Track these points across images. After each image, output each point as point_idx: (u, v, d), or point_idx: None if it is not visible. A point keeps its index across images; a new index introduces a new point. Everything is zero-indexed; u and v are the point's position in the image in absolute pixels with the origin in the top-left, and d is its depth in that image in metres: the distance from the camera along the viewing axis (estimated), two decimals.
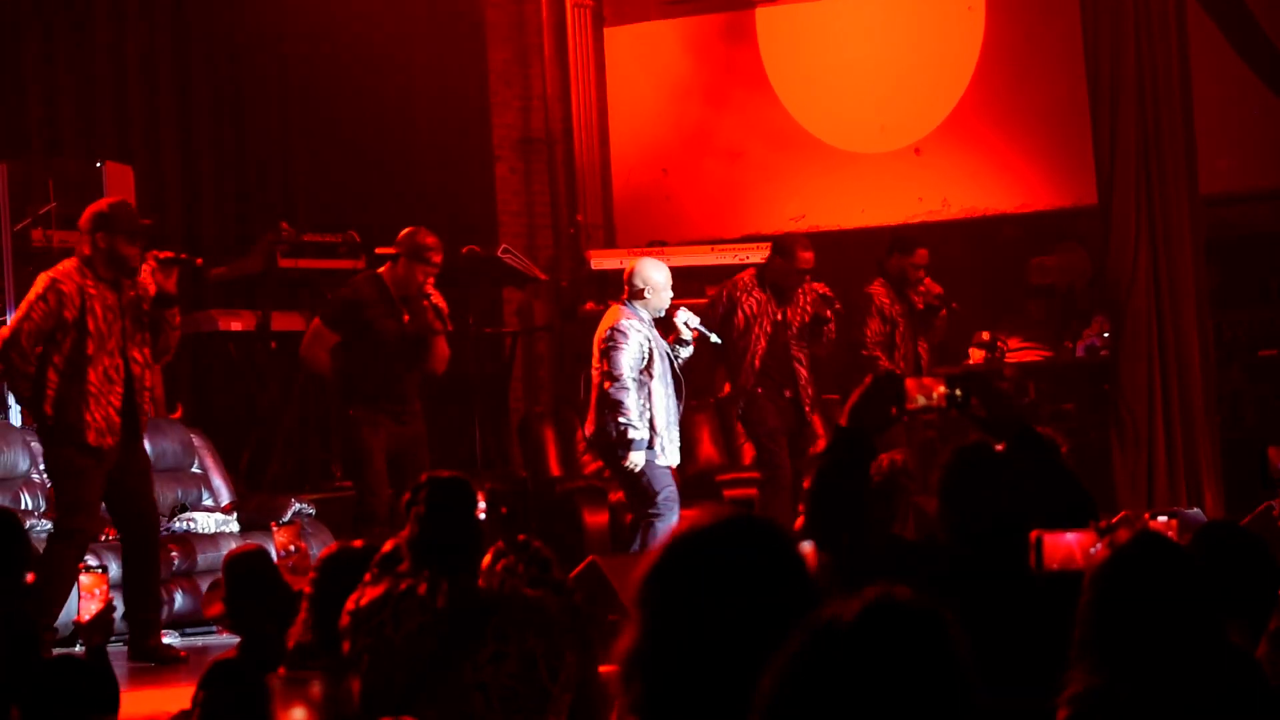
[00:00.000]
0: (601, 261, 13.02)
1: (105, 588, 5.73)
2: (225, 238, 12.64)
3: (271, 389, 12.05)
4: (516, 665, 4.63)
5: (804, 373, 10.77)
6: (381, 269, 10.04)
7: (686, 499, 11.43)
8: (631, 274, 9.84)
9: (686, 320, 9.81)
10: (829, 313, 10.80)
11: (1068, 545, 4.00)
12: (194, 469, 11.05)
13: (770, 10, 14.19)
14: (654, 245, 13.19)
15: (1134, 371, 11.51)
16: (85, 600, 5.67)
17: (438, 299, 9.89)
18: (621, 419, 9.62)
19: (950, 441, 11.46)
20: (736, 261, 12.31)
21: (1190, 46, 11.70)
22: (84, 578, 5.79)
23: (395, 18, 13.62)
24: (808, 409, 10.82)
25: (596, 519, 11.59)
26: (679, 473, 10.68)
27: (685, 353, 9.84)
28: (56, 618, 8.56)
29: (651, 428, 9.65)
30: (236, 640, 5.64)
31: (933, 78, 13.72)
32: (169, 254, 8.90)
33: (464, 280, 12.26)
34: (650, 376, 9.67)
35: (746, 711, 2.26)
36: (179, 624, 9.98)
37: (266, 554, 6.15)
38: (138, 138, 12.21)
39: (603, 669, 5.42)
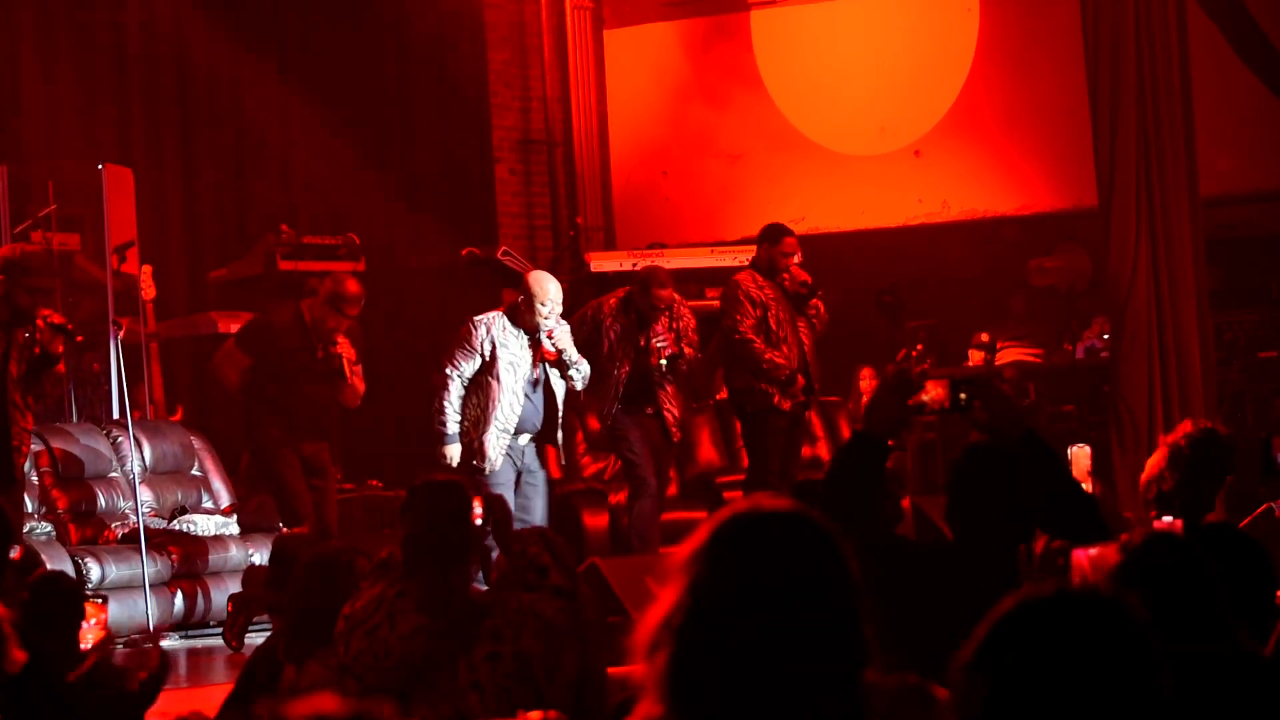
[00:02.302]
0: (601, 263, 13.01)
1: (105, 616, 5.74)
2: (225, 239, 12.64)
3: None
4: (511, 665, 4.64)
5: (666, 394, 10.68)
6: (304, 301, 10.09)
7: (687, 500, 11.41)
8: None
9: (555, 338, 9.76)
10: (687, 352, 10.66)
11: (1091, 559, 4.02)
12: (194, 471, 11.05)
13: (764, 13, 14.18)
14: (653, 247, 13.20)
15: (1134, 372, 11.51)
16: (85, 628, 5.68)
17: (344, 348, 9.87)
18: (435, 410, 9.74)
19: (950, 443, 11.47)
20: (736, 263, 12.29)
21: (1190, 47, 11.70)
22: (84, 606, 5.79)
23: (395, 19, 13.63)
24: (672, 428, 10.71)
25: (596, 521, 11.57)
26: (679, 472, 10.65)
27: (564, 376, 9.79)
28: None
29: (480, 438, 9.65)
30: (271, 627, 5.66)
31: (929, 79, 13.71)
32: (59, 320, 8.90)
33: (464, 282, 12.27)
34: (493, 380, 9.64)
35: (767, 689, 2.31)
36: (180, 626, 9.97)
37: (314, 542, 6.19)
38: (138, 140, 12.21)
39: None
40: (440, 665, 4.63)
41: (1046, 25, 13.24)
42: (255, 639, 8.75)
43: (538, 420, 9.76)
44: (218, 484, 11.06)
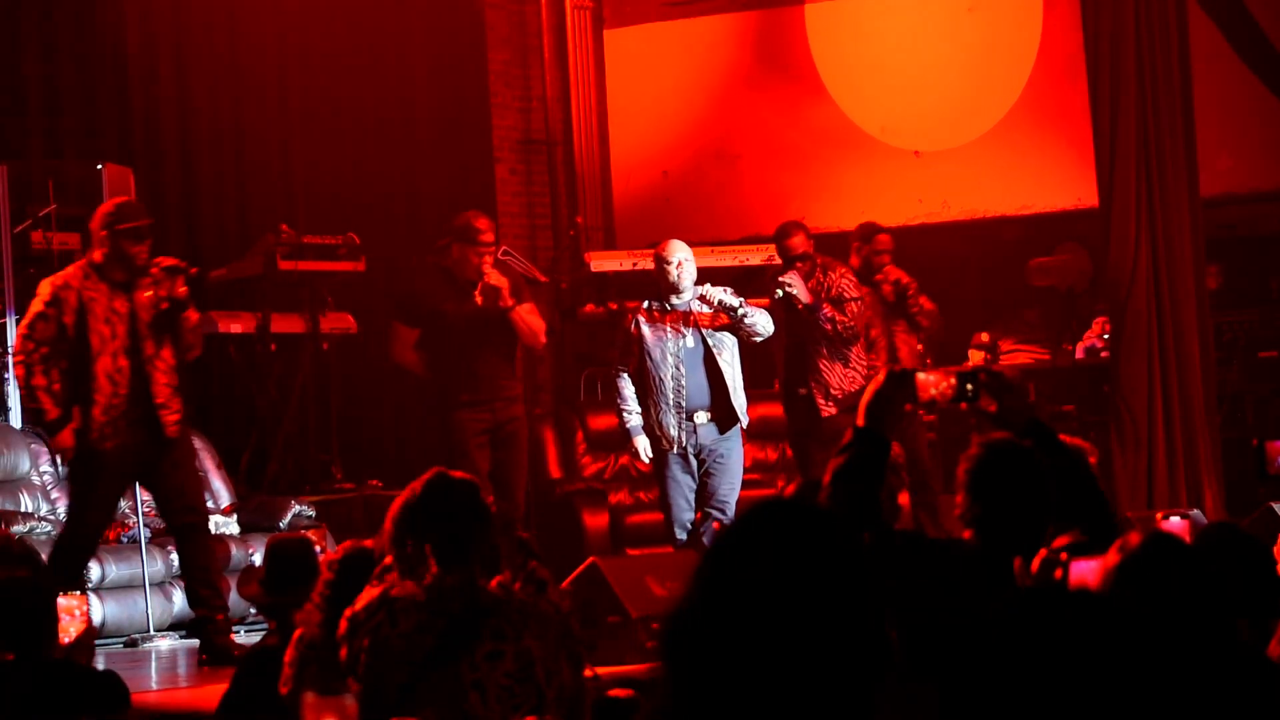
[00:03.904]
0: (601, 263, 13.02)
1: (85, 609, 5.71)
2: (225, 239, 12.62)
3: (271, 391, 12.03)
4: (513, 664, 4.62)
5: (826, 365, 10.65)
6: (443, 261, 10.20)
7: None
8: None
9: (707, 296, 9.77)
10: (826, 310, 10.62)
11: (1093, 570, 4.02)
12: None
13: (818, 6, 14.14)
14: (654, 247, 13.18)
15: (1134, 372, 11.51)
16: (66, 622, 5.64)
17: (494, 279, 9.94)
18: (617, 412, 9.88)
19: (950, 443, 11.38)
20: (737, 263, 12.30)
21: (1190, 47, 11.70)
22: (63, 600, 5.75)
23: (395, 19, 13.62)
24: (820, 401, 10.62)
25: (596, 521, 11.58)
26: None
27: (742, 332, 9.76)
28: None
29: (658, 421, 9.68)
30: (267, 627, 5.64)
31: (993, 76, 13.60)
32: (172, 261, 8.93)
33: None
34: (648, 361, 9.69)
35: (778, 689, 2.32)
36: (181, 625, 9.96)
37: (310, 544, 6.20)
38: (138, 139, 12.20)
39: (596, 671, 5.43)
40: (442, 664, 4.63)
41: (1048, 26, 13.23)
42: (252, 639, 8.75)
43: (705, 397, 9.72)
44: (217, 484, 11.04)
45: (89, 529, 8.86)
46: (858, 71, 13.96)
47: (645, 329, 9.75)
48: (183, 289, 8.82)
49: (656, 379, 9.71)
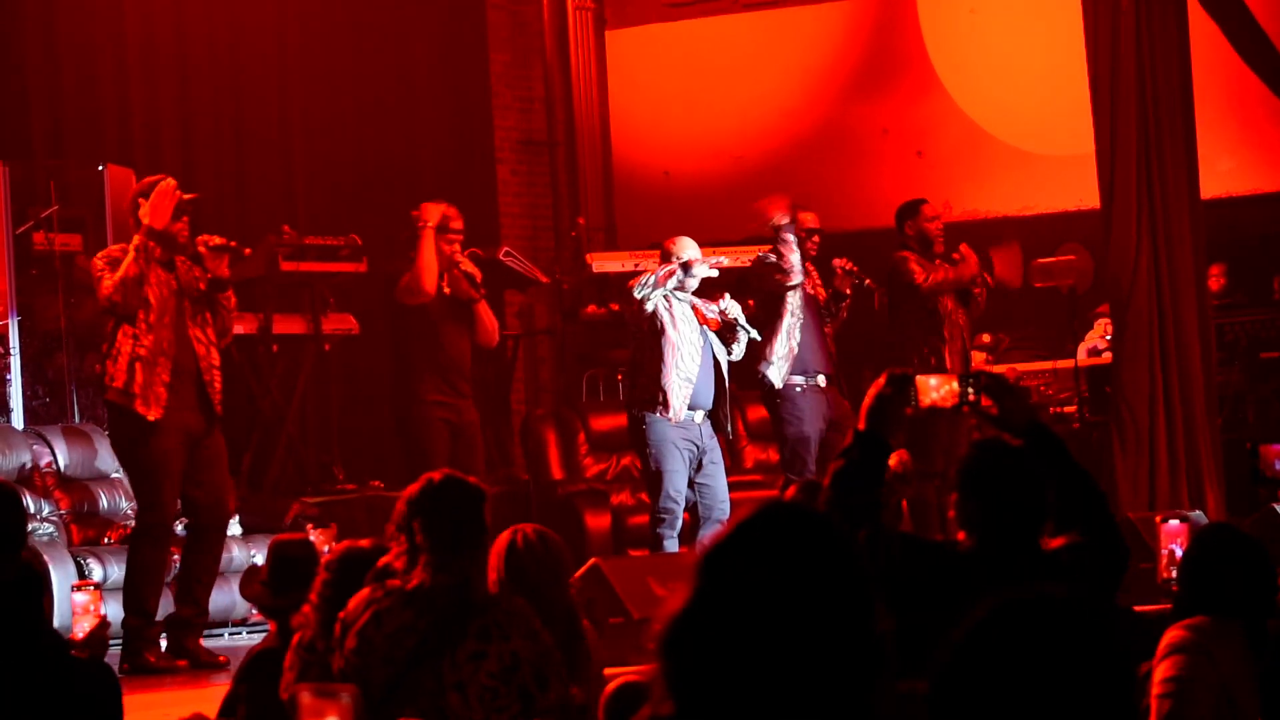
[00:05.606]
0: (602, 264, 13.02)
1: (99, 605, 5.71)
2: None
3: (273, 392, 12.04)
4: (496, 666, 4.62)
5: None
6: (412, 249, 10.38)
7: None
8: None
9: (724, 306, 9.79)
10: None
11: None
12: None
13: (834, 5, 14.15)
14: (655, 247, 13.19)
15: (1135, 373, 11.51)
16: (79, 617, 5.64)
17: (468, 266, 10.06)
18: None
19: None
20: (738, 264, 12.29)
21: (1190, 47, 11.69)
22: (78, 595, 5.75)
23: (396, 20, 13.63)
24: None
25: (598, 521, 11.58)
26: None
27: (727, 346, 9.78)
28: (155, 610, 8.66)
29: (661, 385, 9.66)
30: (268, 629, 5.65)
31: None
32: (220, 240, 8.88)
33: None
34: (671, 327, 9.66)
35: (776, 692, 2.31)
36: None
37: (312, 545, 6.21)
38: (138, 140, 12.21)
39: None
40: (423, 663, 4.63)
41: (1046, 24, 13.21)
42: (253, 639, 8.74)
43: (707, 394, 9.73)
44: None
45: (166, 517, 8.72)
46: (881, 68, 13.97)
47: (675, 300, 9.75)
48: (225, 270, 8.78)
49: (675, 345, 9.68)
